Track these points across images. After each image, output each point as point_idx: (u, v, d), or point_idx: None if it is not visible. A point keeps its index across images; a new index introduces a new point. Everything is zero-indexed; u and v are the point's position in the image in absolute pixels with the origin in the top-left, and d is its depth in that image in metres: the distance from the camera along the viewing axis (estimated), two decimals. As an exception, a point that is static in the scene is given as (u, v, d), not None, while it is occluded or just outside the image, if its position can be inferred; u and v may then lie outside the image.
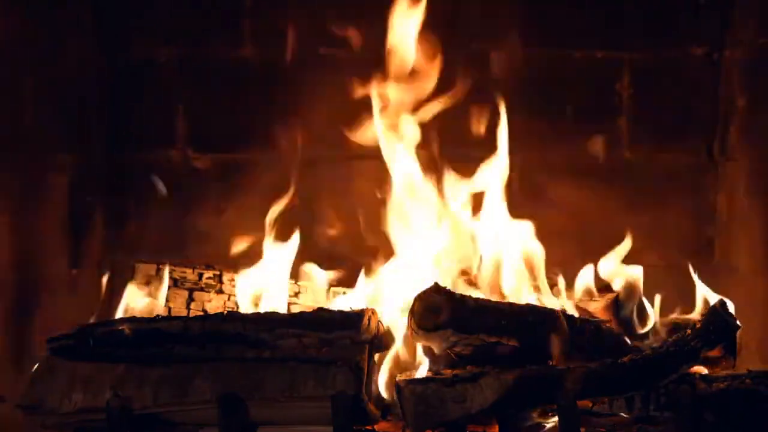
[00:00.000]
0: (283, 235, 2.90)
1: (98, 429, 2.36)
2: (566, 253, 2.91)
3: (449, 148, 2.98)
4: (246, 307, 2.79)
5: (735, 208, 3.13)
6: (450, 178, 2.87)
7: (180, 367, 2.38)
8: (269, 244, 2.87)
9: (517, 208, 2.85)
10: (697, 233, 3.25)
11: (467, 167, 2.90)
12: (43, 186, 2.94)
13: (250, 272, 2.82)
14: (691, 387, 2.33)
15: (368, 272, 2.82)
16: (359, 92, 2.99)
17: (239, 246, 2.98)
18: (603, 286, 2.89)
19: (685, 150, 3.26)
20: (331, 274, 2.90)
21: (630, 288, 2.79)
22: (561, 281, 2.82)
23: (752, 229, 3.03)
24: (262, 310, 2.69)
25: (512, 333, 2.43)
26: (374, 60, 3.10)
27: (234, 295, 2.88)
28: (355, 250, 3.04)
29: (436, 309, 2.40)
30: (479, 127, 3.03)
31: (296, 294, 2.88)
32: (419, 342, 2.48)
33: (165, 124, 3.29)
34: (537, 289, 2.76)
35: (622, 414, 2.36)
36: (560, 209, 3.19)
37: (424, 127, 2.95)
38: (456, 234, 2.81)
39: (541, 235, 2.80)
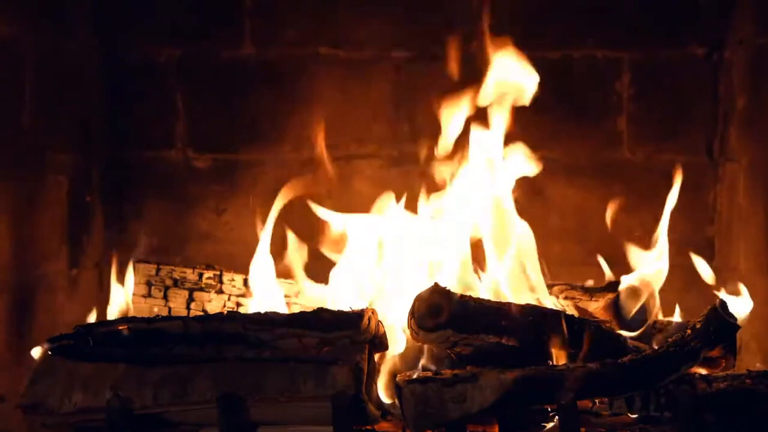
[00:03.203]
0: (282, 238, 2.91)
1: (98, 429, 2.36)
2: (566, 253, 2.91)
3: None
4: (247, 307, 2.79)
5: (735, 208, 3.12)
6: (451, 176, 2.88)
7: (180, 367, 2.38)
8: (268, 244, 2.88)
9: (517, 208, 2.84)
10: (697, 233, 3.25)
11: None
12: (43, 186, 2.94)
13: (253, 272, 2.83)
14: (691, 387, 2.34)
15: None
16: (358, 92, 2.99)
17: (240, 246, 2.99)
18: (603, 286, 2.89)
19: (685, 150, 3.26)
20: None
21: (631, 288, 2.79)
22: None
23: (752, 229, 3.03)
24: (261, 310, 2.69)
25: (512, 333, 2.43)
26: (374, 60, 3.11)
27: (234, 295, 2.88)
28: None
29: (436, 309, 2.40)
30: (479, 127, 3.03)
31: (296, 294, 2.88)
32: (419, 342, 2.48)
33: (165, 124, 3.29)
34: (536, 289, 2.76)
35: (622, 414, 2.36)
36: (560, 209, 3.19)
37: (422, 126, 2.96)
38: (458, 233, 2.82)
39: (542, 235, 2.79)
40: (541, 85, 2.84)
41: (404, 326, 2.51)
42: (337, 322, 2.41)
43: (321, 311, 2.48)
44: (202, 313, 2.85)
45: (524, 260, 2.72)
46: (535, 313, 2.48)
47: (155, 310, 2.85)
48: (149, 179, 3.29)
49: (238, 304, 2.88)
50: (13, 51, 2.79)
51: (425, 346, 2.53)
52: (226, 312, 2.76)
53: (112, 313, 2.80)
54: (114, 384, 2.36)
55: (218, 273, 2.91)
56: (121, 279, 2.87)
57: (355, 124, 3.19)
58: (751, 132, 3.06)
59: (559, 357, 2.45)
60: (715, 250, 3.24)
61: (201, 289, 2.90)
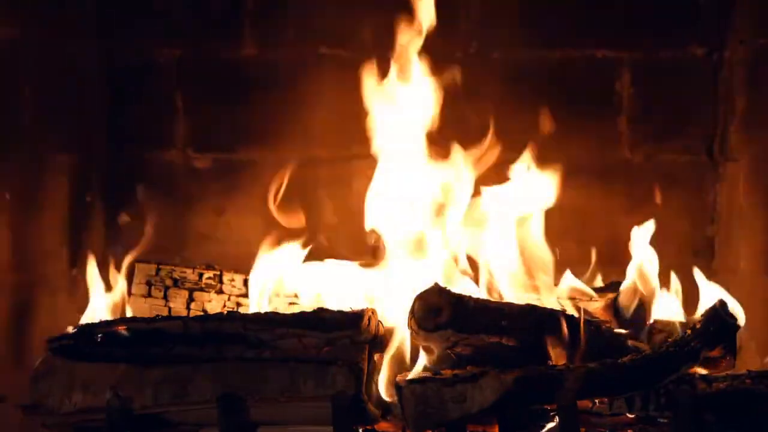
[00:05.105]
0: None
1: (98, 429, 2.36)
2: (566, 253, 2.91)
3: (446, 148, 2.99)
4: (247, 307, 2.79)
5: (735, 208, 3.13)
6: (452, 177, 2.88)
7: (180, 367, 2.38)
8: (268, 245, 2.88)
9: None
10: (697, 233, 3.25)
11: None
12: (43, 186, 2.94)
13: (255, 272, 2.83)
14: (691, 387, 2.34)
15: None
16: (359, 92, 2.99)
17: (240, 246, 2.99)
18: (603, 286, 2.89)
19: (685, 150, 3.26)
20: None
21: (631, 288, 2.79)
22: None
23: (752, 229, 3.03)
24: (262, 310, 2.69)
25: (512, 333, 2.43)
26: (374, 59, 3.10)
27: (234, 295, 2.88)
28: (355, 250, 3.04)
29: (436, 309, 2.40)
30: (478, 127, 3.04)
31: (296, 294, 2.88)
32: (419, 342, 2.48)
33: (165, 124, 3.29)
34: (537, 289, 2.76)
35: (622, 414, 2.36)
36: (560, 209, 3.19)
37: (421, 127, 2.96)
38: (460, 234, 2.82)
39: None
40: (541, 85, 2.84)
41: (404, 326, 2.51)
42: (337, 322, 2.41)
43: (321, 311, 2.48)
44: (202, 313, 2.85)
45: (536, 260, 2.74)
46: (535, 313, 2.48)
47: (152, 309, 2.86)
48: (149, 179, 3.29)
49: (238, 304, 2.88)
50: (13, 51, 2.79)
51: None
52: (226, 312, 2.76)
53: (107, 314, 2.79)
54: (114, 384, 2.36)
55: (218, 273, 2.91)
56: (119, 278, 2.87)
57: (355, 124, 3.19)
58: (751, 132, 3.06)
59: (559, 357, 2.45)
60: (715, 250, 3.24)
61: (201, 289, 2.90)
